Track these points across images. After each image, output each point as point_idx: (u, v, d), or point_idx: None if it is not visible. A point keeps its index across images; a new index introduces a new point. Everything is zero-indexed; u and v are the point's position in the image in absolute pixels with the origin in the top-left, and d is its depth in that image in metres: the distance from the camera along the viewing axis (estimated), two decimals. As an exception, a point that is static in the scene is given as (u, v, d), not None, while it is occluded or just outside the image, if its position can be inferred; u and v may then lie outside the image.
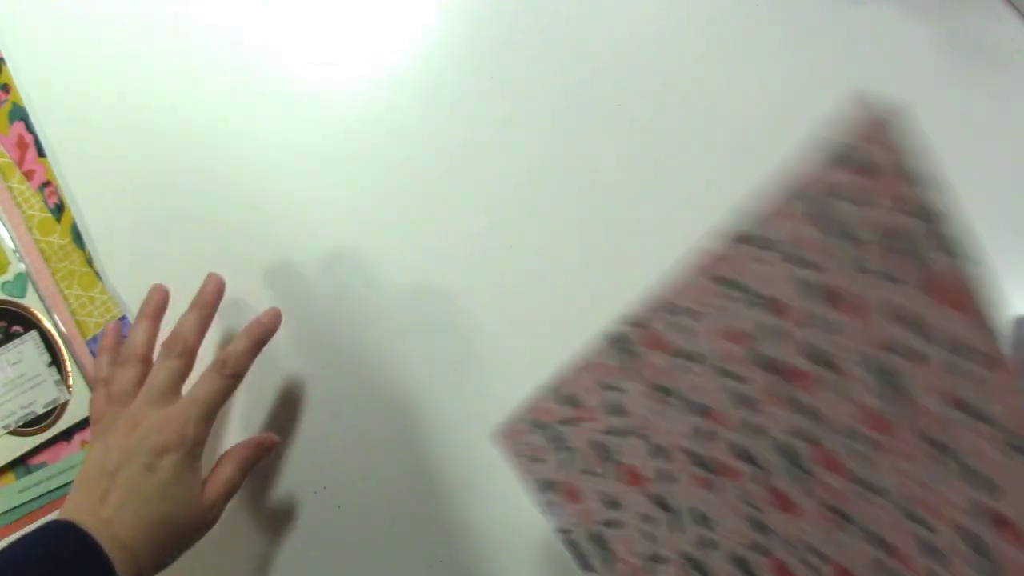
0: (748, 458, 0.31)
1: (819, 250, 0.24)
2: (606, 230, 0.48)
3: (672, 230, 0.48)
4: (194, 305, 0.43)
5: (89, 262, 0.49)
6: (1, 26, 0.52)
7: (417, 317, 0.47)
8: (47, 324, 0.48)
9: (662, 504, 0.34)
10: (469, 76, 0.51)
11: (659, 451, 0.33)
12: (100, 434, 0.40)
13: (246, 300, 0.48)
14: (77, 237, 0.49)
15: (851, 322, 0.25)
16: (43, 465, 0.47)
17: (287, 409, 0.47)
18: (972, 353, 0.22)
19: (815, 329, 0.26)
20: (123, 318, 0.49)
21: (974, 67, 0.49)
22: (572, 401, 0.34)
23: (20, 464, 0.47)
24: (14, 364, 0.47)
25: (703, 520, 0.34)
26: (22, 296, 0.48)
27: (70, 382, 0.47)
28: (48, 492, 0.47)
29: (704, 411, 0.31)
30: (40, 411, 0.47)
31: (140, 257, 0.49)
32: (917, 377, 0.24)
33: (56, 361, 0.47)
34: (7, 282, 0.48)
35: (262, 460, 0.44)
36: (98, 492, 0.37)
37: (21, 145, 0.51)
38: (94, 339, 0.48)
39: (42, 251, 0.49)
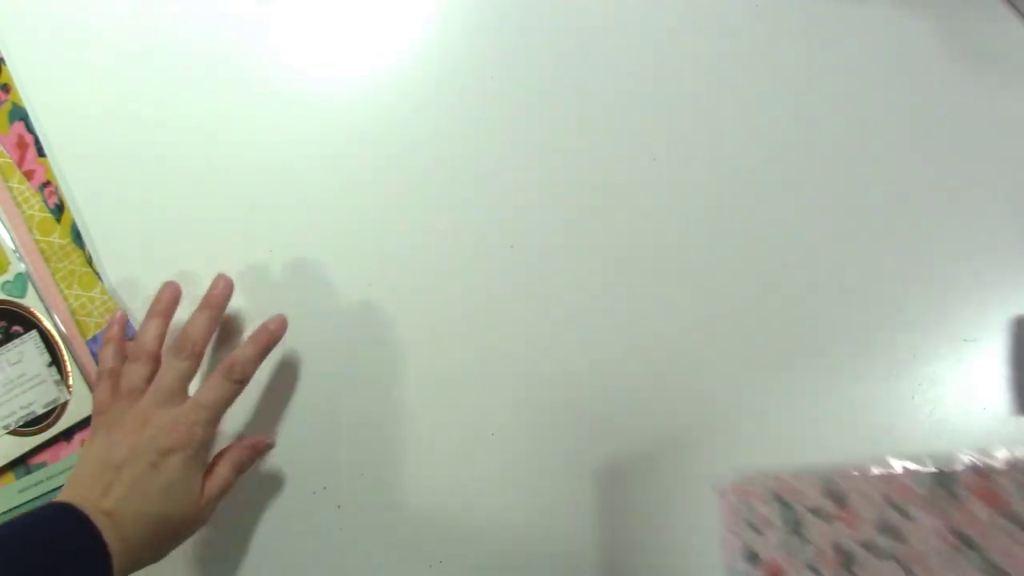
0: None
1: None
2: (606, 230, 0.48)
3: (672, 230, 0.48)
4: (203, 306, 0.43)
5: (89, 262, 0.49)
6: (1, 26, 0.52)
7: (417, 317, 0.47)
8: (47, 324, 0.48)
9: None
10: (469, 76, 0.51)
11: None
12: (104, 426, 0.40)
13: (246, 300, 0.48)
14: (77, 237, 0.49)
15: None
16: (43, 465, 0.47)
17: (287, 409, 0.47)
18: None
19: None
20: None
21: (974, 67, 0.49)
22: (838, 497, 0.34)
23: (20, 464, 0.47)
24: (14, 364, 0.47)
25: None
26: (22, 296, 0.48)
27: (70, 382, 0.47)
28: (48, 492, 0.47)
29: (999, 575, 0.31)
30: (40, 411, 0.47)
31: (140, 257, 0.49)
32: None
33: (56, 361, 0.48)
34: (7, 282, 0.48)
35: (256, 461, 0.45)
36: (101, 484, 0.37)
37: (21, 145, 0.51)
38: (94, 339, 0.48)
39: (42, 251, 0.49)
